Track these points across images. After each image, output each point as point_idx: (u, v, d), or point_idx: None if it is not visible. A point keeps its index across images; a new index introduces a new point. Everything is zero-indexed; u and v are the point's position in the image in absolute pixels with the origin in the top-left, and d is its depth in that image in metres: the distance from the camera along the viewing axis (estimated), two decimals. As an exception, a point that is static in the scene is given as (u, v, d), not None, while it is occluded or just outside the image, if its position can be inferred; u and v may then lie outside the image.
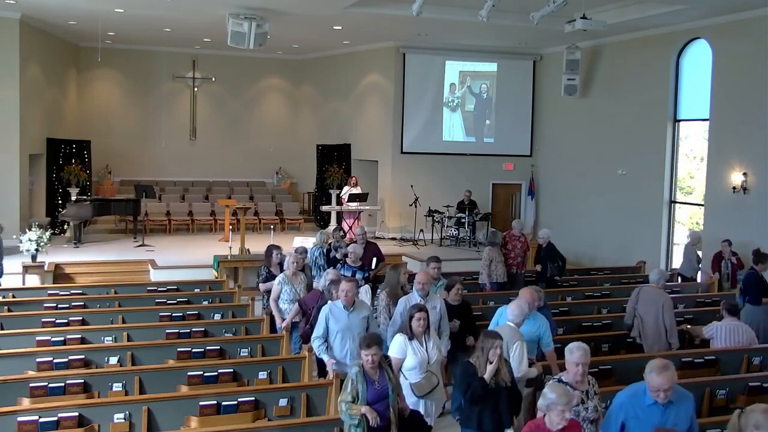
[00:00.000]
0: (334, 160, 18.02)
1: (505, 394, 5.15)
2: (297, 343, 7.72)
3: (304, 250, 9.08)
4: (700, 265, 11.56)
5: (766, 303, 8.48)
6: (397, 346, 5.67)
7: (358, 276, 8.53)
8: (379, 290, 7.73)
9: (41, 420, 5.14)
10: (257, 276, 9.15)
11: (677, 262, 13.67)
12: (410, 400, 5.51)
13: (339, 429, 5.23)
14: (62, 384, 5.94)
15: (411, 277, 7.86)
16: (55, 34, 16.39)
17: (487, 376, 5.05)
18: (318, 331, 6.29)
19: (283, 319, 7.80)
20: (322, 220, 17.75)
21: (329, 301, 6.61)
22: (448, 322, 6.83)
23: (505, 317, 6.35)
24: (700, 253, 11.78)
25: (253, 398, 5.76)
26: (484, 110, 17.62)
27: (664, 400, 4.30)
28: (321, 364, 6.60)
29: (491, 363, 5.06)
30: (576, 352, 4.80)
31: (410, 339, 5.63)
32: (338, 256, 9.37)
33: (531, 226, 17.29)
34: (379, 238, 16.66)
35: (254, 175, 20.45)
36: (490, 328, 6.46)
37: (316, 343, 6.25)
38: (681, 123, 13.90)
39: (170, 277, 11.44)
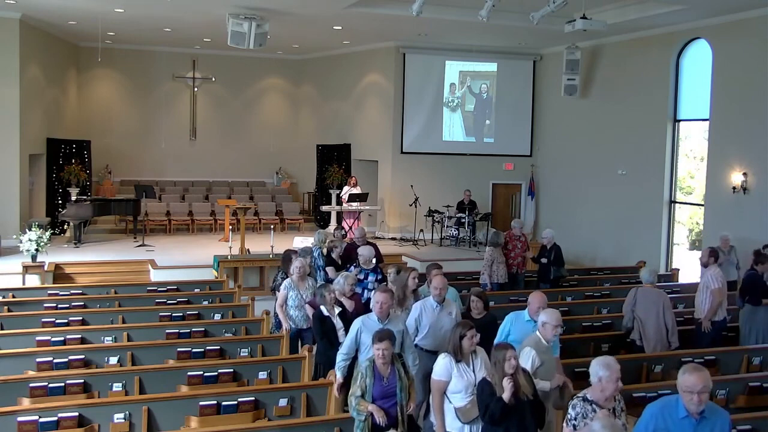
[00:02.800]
0: (334, 160, 18.03)
1: (529, 408, 4.79)
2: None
3: (309, 251, 8.98)
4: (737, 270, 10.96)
5: (767, 304, 8.46)
6: (441, 368, 5.24)
7: (371, 278, 8.40)
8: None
9: (41, 420, 5.14)
10: (272, 280, 8.75)
11: (677, 262, 13.71)
12: (455, 425, 5.18)
13: (339, 429, 5.23)
14: (62, 384, 5.94)
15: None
16: (55, 34, 16.39)
17: (506, 395, 4.65)
18: (345, 345, 5.88)
19: (290, 324, 7.62)
20: (322, 220, 17.75)
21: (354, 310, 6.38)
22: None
23: (519, 325, 6.05)
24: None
25: (253, 398, 5.75)
26: (484, 110, 17.63)
27: (699, 405, 3.99)
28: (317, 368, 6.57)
29: (507, 378, 4.68)
30: (603, 370, 4.36)
31: (457, 360, 5.18)
32: (333, 256, 9.33)
33: (531, 226, 17.30)
34: (379, 238, 16.67)
35: (254, 175, 20.45)
36: (500, 336, 6.16)
37: (340, 358, 5.84)
38: (681, 123, 13.90)
39: (170, 277, 11.44)
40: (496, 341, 5.92)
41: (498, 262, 10.40)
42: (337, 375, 5.87)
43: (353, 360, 5.84)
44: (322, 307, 6.71)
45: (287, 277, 8.23)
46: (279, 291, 8.13)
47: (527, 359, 5.37)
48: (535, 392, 4.90)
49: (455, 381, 5.18)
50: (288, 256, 8.47)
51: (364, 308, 7.07)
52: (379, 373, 5.00)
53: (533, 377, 5.16)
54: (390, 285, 7.13)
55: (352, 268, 8.63)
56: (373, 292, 7.78)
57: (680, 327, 8.14)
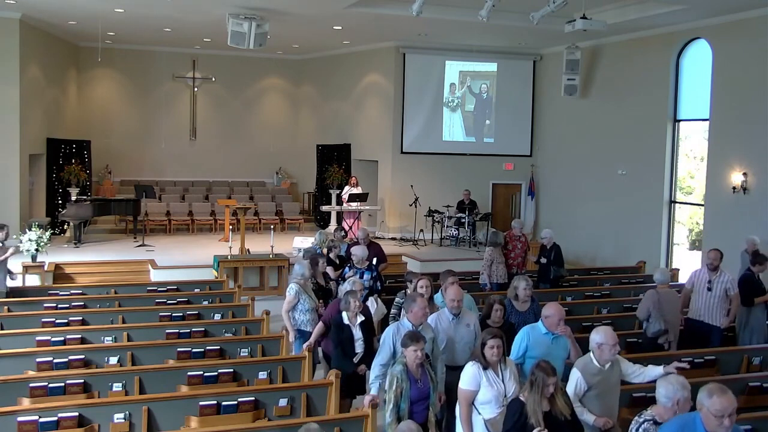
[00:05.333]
0: (334, 160, 18.03)
1: (567, 430, 4.48)
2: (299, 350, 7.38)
3: (314, 252, 8.89)
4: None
5: (759, 303, 8.45)
6: (470, 377, 4.96)
7: (366, 276, 8.39)
8: (397, 299, 7.47)
9: (41, 420, 5.14)
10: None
11: (677, 262, 13.71)
12: None
13: (339, 429, 5.23)
14: (62, 384, 5.94)
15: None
16: (55, 34, 16.39)
17: (536, 421, 4.33)
18: (383, 356, 5.56)
19: (298, 330, 7.44)
20: (322, 220, 17.76)
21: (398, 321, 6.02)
22: None
23: (535, 340, 5.59)
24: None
25: (253, 398, 5.75)
26: (484, 110, 17.63)
27: (729, 427, 3.82)
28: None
29: (545, 400, 4.38)
30: (681, 391, 4.11)
31: (485, 368, 4.93)
32: (331, 256, 9.30)
33: (531, 226, 17.31)
34: (379, 238, 16.65)
35: (254, 175, 20.45)
36: (516, 352, 5.68)
37: (377, 370, 5.54)
38: (681, 123, 13.90)
39: (170, 277, 11.43)
40: (511, 357, 5.56)
41: (497, 262, 10.40)
42: (373, 388, 5.55)
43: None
44: (344, 314, 6.42)
45: (315, 282, 8.07)
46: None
47: (572, 383, 5.02)
48: (573, 413, 4.60)
49: (484, 391, 4.93)
50: (315, 261, 8.24)
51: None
52: (413, 376, 4.93)
53: (580, 403, 4.91)
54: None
55: (347, 269, 8.61)
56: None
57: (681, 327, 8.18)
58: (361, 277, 8.35)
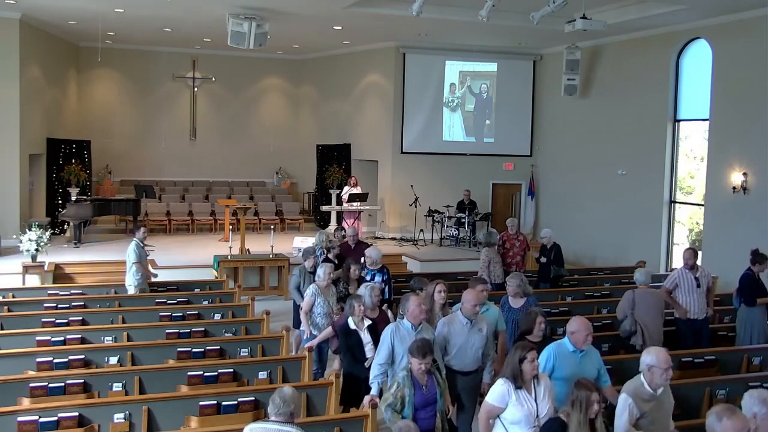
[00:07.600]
0: (334, 160, 18.03)
1: None
2: (317, 366, 7.30)
3: (312, 252, 8.72)
4: None
5: (761, 304, 8.46)
6: (498, 394, 4.66)
7: (377, 279, 8.23)
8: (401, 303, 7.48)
9: (41, 420, 5.14)
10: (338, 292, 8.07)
11: (677, 262, 13.69)
12: None
13: (339, 429, 5.23)
14: (62, 384, 5.93)
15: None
16: (55, 34, 16.40)
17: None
18: (382, 355, 5.57)
19: (313, 335, 7.33)
20: (322, 220, 17.76)
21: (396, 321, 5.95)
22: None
23: (563, 359, 5.24)
24: None
25: (253, 398, 5.75)
26: (484, 110, 17.63)
27: None
28: (351, 386, 6.11)
29: (588, 420, 4.15)
30: (758, 406, 3.95)
31: (517, 387, 4.61)
32: (330, 256, 9.28)
33: (531, 226, 17.31)
34: (379, 238, 16.69)
35: (254, 175, 20.46)
36: (541, 372, 5.18)
37: (376, 369, 5.56)
38: (681, 123, 13.90)
39: (170, 277, 11.42)
40: None
41: (494, 262, 10.36)
42: (373, 388, 5.54)
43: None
44: (350, 320, 6.35)
45: (346, 288, 7.99)
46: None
47: (622, 409, 4.57)
48: None
49: (513, 410, 4.62)
50: (348, 267, 8.13)
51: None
52: (417, 381, 4.87)
53: (636, 428, 4.55)
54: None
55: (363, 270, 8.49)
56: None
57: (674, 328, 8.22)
58: (372, 278, 8.26)
